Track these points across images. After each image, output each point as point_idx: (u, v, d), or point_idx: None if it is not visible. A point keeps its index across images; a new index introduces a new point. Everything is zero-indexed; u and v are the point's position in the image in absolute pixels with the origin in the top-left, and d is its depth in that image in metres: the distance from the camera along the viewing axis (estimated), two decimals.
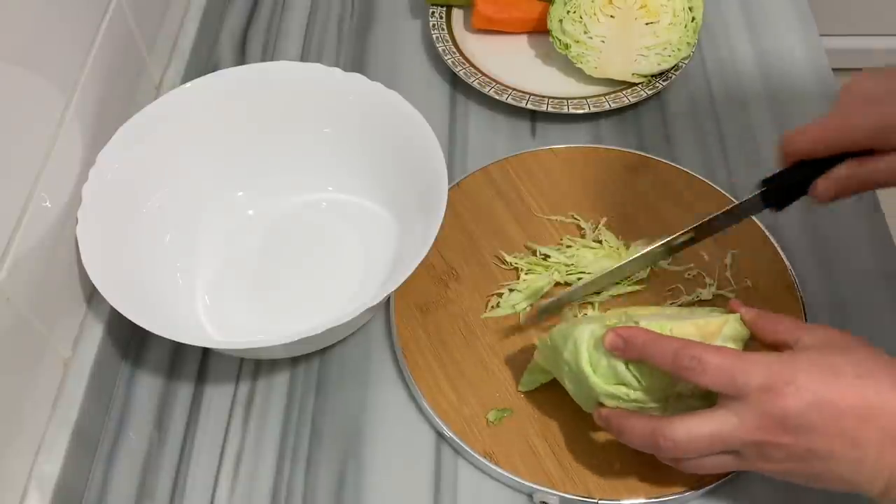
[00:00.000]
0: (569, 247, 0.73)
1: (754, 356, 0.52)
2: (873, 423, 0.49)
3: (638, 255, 0.67)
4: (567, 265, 0.72)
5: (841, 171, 0.58)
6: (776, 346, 0.55)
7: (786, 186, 0.61)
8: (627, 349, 0.54)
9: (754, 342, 0.57)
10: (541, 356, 0.62)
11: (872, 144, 0.57)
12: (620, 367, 0.55)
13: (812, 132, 0.59)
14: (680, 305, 0.69)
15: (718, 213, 0.64)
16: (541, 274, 0.71)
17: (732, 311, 0.58)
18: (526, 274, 0.72)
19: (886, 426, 0.49)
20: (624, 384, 0.56)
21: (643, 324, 0.56)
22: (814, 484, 0.53)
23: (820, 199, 0.60)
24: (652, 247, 0.66)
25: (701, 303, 0.70)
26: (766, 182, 0.62)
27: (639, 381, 0.55)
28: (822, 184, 0.59)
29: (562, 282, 0.71)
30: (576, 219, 0.75)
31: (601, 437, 0.63)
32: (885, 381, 0.50)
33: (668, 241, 0.66)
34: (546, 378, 0.64)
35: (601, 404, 0.57)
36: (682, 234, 0.65)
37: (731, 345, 0.56)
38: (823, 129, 0.58)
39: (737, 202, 0.64)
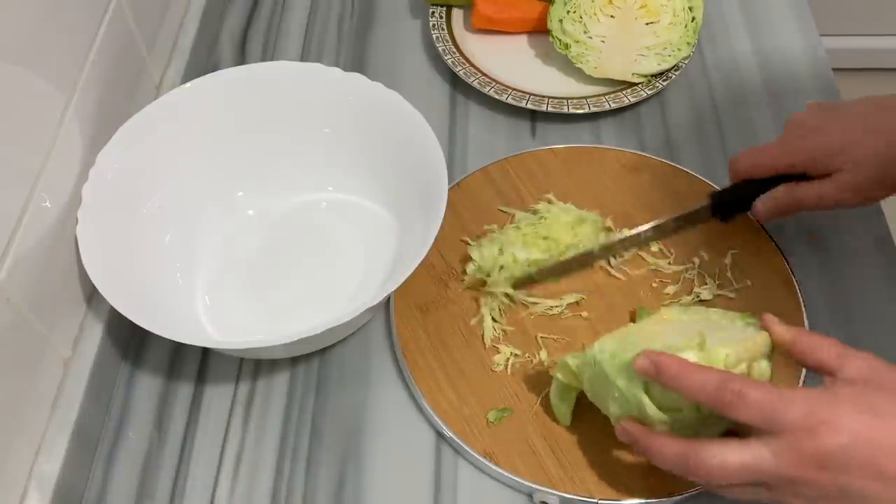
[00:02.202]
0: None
1: (794, 392, 0.51)
2: None
3: (611, 240, 0.72)
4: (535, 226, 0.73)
5: (778, 192, 0.68)
6: (816, 369, 0.54)
7: (730, 201, 0.70)
8: (659, 376, 0.53)
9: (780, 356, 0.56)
10: (567, 375, 0.61)
11: (806, 169, 0.66)
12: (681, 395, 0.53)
13: (756, 155, 0.69)
14: (679, 304, 0.69)
15: (674, 216, 0.72)
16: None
17: (765, 328, 0.56)
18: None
19: None
20: (679, 410, 0.54)
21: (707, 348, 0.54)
22: None
23: (758, 216, 0.70)
24: (618, 237, 0.72)
25: (702, 303, 0.70)
26: (713, 196, 0.71)
27: (698, 408, 0.54)
28: (760, 204, 0.69)
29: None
30: None
31: (601, 437, 0.63)
32: None
33: (631, 235, 0.72)
34: (574, 394, 0.63)
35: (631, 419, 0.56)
36: (645, 229, 0.72)
37: (765, 362, 0.55)
38: (765, 153, 0.68)
39: (689, 210, 0.72)
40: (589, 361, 0.58)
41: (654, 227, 0.72)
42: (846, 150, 0.64)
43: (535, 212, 0.75)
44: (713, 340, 0.55)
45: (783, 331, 0.56)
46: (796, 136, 0.67)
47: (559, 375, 0.61)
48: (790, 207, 0.68)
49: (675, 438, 0.54)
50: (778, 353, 0.56)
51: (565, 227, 0.72)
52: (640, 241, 0.73)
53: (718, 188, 0.77)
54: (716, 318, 0.60)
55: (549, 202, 0.76)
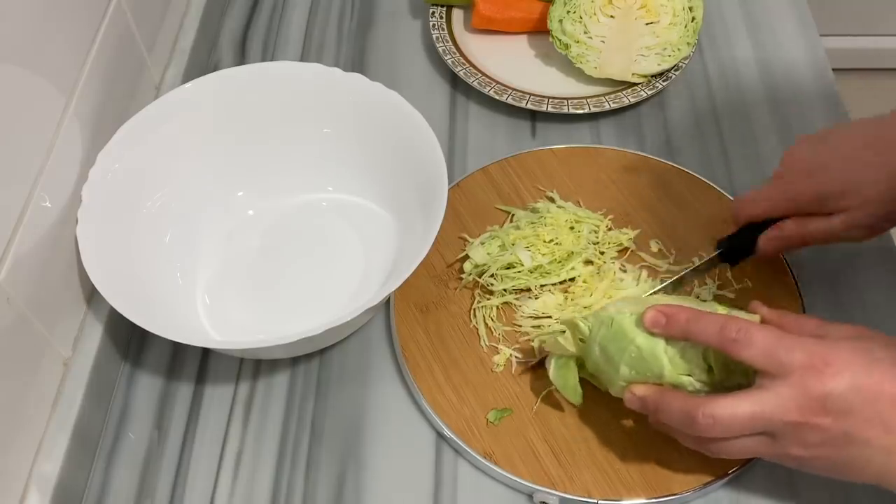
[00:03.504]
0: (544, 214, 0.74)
1: (795, 337, 0.53)
2: None
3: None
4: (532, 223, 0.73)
5: (785, 227, 0.66)
6: None
7: (737, 247, 0.69)
8: (669, 326, 0.55)
9: None
10: (571, 339, 0.60)
11: (811, 210, 0.65)
12: (698, 355, 0.55)
13: (760, 201, 0.67)
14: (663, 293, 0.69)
15: (686, 270, 0.69)
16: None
17: (753, 312, 0.59)
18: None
19: None
20: (691, 374, 0.56)
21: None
22: (840, 474, 0.53)
23: (764, 253, 0.68)
24: (655, 289, 0.69)
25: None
26: (720, 244, 0.69)
27: (710, 371, 0.56)
28: (766, 239, 0.67)
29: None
30: None
31: (601, 436, 0.63)
32: None
33: (660, 288, 0.68)
34: (573, 363, 0.62)
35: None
36: (664, 285, 0.69)
37: None
38: (769, 199, 0.67)
39: (697, 263, 0.70)
40: (605, 321, 0.58)
41: (663, 287, 0.68)
42: (852, 190, 0.63)
43: (534, 210, 0.75)
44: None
45: (768, 312, 0.59)
46: (796, 177, 0.66)
47: (561, 340, 0.61)
48: (797, 242, 0.67)
49: (682, 394, 0.56)
50: None
51: (565, 228, 0.72)
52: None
53: (718, 189, 0.77)
54: (699, 305, 0.61)
55: (552, 200, 0.76)
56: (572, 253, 0.71)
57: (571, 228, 0.73)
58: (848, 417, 0.50)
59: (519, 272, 0.70)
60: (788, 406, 0.51)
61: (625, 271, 0.71)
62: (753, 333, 0.52)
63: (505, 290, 0.70)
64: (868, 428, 0.50)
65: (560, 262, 0.71)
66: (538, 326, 0.68)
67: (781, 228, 0.66)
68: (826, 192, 0.64)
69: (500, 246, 0.71)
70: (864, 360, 0.51)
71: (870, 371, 0.50)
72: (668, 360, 0.56)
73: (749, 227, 0.68)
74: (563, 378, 0.62)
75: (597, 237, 0.73)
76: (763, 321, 0.58)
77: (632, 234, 0.74)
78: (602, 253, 0.72)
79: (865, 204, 0.63)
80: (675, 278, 0.69)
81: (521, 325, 0.69)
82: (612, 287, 0.70)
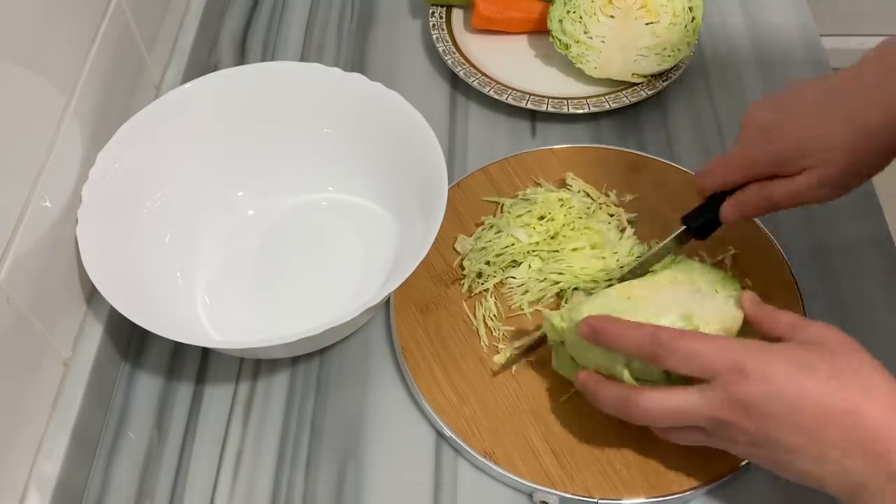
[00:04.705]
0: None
1: (727, 341, 0.53)
2: (833, 426, 0.49)
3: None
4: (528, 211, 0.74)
5: (745, 194, 0.63)
6: (775, 340, 0.56)
7: (705, 220, 0.67)
8: (598, 337, 0.57)
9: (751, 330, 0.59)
10: (552, 331, 0.62)
11: (773, 172, 0.62)
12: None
13: (720, 170, 0.65)
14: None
15: (650, 252, 0.69)
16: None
17: (742, 305, 0.60)
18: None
19: (849, 432, 0.49)
20: (651, 379, 0.57)
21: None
22: (789, 475, 0.53)
23: (727, 220, 0.65)
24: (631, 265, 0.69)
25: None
26: (686, 219, 0.67)
27: (668, 375, 0.57)
28: (729, 206, 0.65)
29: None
30: None
31: (601, 436, 0.63)
32: (857, 389, 0.50)
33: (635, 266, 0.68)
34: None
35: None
36: (625, 270, 0.69)
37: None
38: (728, 167, 0.64)
39: (664, 241, 0.68)
40: (576, 325, 0.59)
41: (630, 269, 0.68)
42: (811, 147, 0.59)
43: (524, 197, 0.75)
44: (700, 315, 0.58)
45: (751, 305, 0.59)
46: (754, 140, 0.62)
47: (554, 321, 0.62)
48: (763, 207, 0.63)
49: (618, 384, 0.57)
50: (748, 327, 0.59)
51: (555, 203, 0.73)
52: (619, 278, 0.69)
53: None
54: (700, 282, 0.62)
55: (538, 185, 0.77)
56: (565, 225, 0.72)
57: (562, 205, 0.73)
58: (769, 423, 0.51)
59: (515, 248, 0.71)
60: (713, 405, 0.52)
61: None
62: (679, 344, 0.53)
63: (497, 270, 0.71)
64: (791, 436, 0.50)
65: (555, 237, 0.72)
66: (526, 292, 0.70)
67: (743, 193, 0.63)
68: (784, 153, 0.60)
69: (496, 232, 0.72)
70: (793, 369, 0.50)
71: (796, 382, 0.50)
72: (625, 368, 0.57)
73: (715, 198, 0.66)
74: (565, 364, 0.63)
75: (589, 210, 0.74)
76: (745, 313, 0.59)
77: (624, 214, 0.74)
78: None
79: (828, 161, 0.59)
80: (640, 260, 0.68)
81: (513, 301, 0.70)
82: (587, 239, 0.71)
